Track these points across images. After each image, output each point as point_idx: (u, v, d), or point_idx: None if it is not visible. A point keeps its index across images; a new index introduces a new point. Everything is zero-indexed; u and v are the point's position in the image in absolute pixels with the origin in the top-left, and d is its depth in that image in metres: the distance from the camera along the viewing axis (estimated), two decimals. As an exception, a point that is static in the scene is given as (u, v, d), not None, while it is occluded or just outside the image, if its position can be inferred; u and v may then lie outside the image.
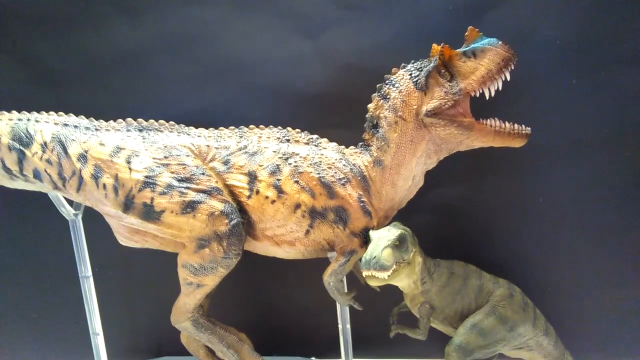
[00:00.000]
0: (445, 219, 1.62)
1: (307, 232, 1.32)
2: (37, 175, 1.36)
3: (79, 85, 1.65)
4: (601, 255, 1.58)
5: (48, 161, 1.34)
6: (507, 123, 1.31)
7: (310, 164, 1.32)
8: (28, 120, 1.37)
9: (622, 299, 1.59)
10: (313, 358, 1.71)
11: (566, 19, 1.46)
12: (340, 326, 1.49)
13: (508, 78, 1.29)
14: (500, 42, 1.28)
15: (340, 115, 1.54)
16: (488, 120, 1.31)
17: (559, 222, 1.58)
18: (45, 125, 1.36)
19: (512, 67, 1.28)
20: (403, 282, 1.30)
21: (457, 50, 1.30)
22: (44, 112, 1.40)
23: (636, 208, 1.54)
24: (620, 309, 1.60)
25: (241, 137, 1.38)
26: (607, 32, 1.46)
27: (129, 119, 1.41)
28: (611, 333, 1.62)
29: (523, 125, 1.32)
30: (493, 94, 1.29)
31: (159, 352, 1.79)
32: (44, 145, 1.34)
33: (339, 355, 1.54)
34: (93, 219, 1.49)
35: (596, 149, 1.52)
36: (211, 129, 1.41)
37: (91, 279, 1.57)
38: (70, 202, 1.51)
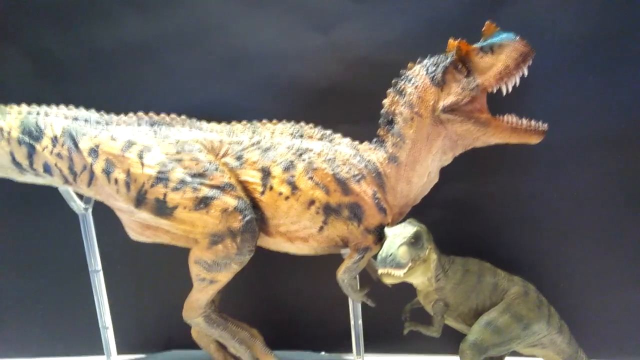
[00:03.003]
0: (459, 215, 1.61)
1: (321, 228, 1.31)
2: (47, 169, 1.35)
3: (88, 78, 1.64)
4: (616, 252, 1.57)
5: (58, 155, 1.33)
6: (523, 119, 1.30)
7: (325, 160, 1.31)
8: (38, 114, 1.36)
9: (634, 298, 1.58)
10: (323, 353, 1.71)
11: (584, 14, 1.45)
12: (352, 322, 1.49)
13: (526, 74, 1.27)
14: (518, 37, 1.26)
15: (353, 111, 1.53)
16: (505, 117, 1.29)
17: (573, 220, 1.57)
18: (55, 119, 1.35)
19: (530, 63, 1.27)
20: (418, 280, 1.29)
21: (474, 45, 1.28)
22: (53, 106, 1.39)
23: (650, 206, 1.53)
24: (632, 307, 1.59)
25: (254, 132, 1.37)
26: (625, 28, 1.44)
27: (140, 113, 1.39)
28: (625, 331, 1.61)
29: (540, 122, 1.30)
30: (510, 90, 1.28)
31: (168, 346, 1.79)
32: (55, 139, 1.33)
33: (350, 350, 1.54)
34: (103, 214, 1.48)
35: (612, 147, 1.51)
36: (223, 123, 1.40)
37: (101, 273, 1.56)
38: (80, 197, 1.50)
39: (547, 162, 1.55)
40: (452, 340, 1.42)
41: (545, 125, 1.30)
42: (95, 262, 1.55)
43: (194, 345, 1.55)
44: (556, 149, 1.52)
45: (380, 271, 1.19)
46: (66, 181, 1.36)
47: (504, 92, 1.28)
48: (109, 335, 1.60)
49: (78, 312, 1.76)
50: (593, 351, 1.43)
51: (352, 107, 1.53)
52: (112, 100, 1.59)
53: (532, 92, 1.44)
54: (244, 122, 1.39)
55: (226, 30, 1.58)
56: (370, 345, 1.60)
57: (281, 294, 1.75)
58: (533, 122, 1.30)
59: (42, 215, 1.72)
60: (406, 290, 1.43)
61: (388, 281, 1.21)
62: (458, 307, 1.34)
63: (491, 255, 1.41)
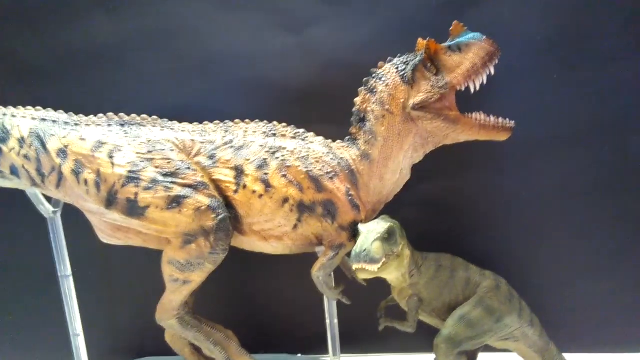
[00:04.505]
0: (431, 212, 1.63)
1: (295, 226, 1.31)
2: (14, 171, 1.32)
3: (55, 80, 1.62)
4: (583, 247, 1.62)
5: (26, 157, 1.30)
6: (491, 117, 1.33)
7: (298, 158, 1.32)
8: (4, 115, 1.33)
9: (604, 290, 1.63)
10: (299, 355, 1.70)
11: (547, 16, 1.50)
12: (327, 321, 1.48)
13: (493, 72, 1.30)
14: (484, 37, 1.29)
15: (324, 111, 1.53)
16: (473, 114, 1.32)
17: (542, 216, 1.61)
18: (22, 120, 1.33)
19: (497, 62, 1.30)
20: (392, 275, 1.30)
21: (443, 44, 1.31)
22: (20, 107, 1.36)
23: (616, 201, 1.58)
24: (602, 300, 1.63)
25: (226, 131, 1.36)
26: (587, 28, 1.50)
27: (110, 114, 1.38)
28: (594, 324, 1.65)
29: (507, 119, 1.33)
30: (478, 87, 1.31)
31: (141, 353, 1.75)
32: (22, 141, 1.30)
33: (326, 352, 1.53)
34: (72, 217, 1.46)
35: (577, 143, 1.56)
36: (195, 123, 1.39)
37: (71, 278, 1.53)
38: (49, 200, 1.47)
39: (515, 159, 1.58)
40: (427, 338, 1.42)
41: (512, 122, 1.33)
42: (64, 267, 1.52)
43: (167, 352, 1.53)
44: (524, 147, 1.56)
45: (354, 266, 1.19)
46: (34, 183, 1.34)
47: (472, 90, 1.31)
48: (79, 342, 1.56)
49: (47, 320, 1.72)
50: (563, 344, 1.45)
51: (325, 108, 1.54)
52: (82, 102, 1.56)
53: (499, 91, 1.48)
54: (217, 121, 1.39)
55: (198, 31, 1.57)
56: (347, 346, 1.60)
57: (256, 296, 1.74)
58: (500, 119, 1.33)
59: (9, 219, 1.68)
60: (380, 290, 1.44)
61: (362, 276, 1.22)
62: (432, 302, 1.35)
63: (463, 251, 1.42)
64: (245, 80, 1.59)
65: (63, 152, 1.30)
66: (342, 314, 1.49)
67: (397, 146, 1.32)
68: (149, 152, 1.30)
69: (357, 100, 1.36)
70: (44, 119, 1.34)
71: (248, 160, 1.31)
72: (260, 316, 1.74)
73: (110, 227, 1.36)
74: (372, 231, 1.22)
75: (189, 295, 1.36)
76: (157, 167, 1.28)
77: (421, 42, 1.31)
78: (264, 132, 1.36)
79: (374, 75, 1.34)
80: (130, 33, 1.58)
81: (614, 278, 1.62)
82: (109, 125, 1.35)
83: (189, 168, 1.29)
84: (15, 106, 1.36)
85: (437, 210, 1.63)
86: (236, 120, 1.39)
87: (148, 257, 1.43)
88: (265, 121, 1.39)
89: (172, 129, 1.36)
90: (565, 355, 1.42)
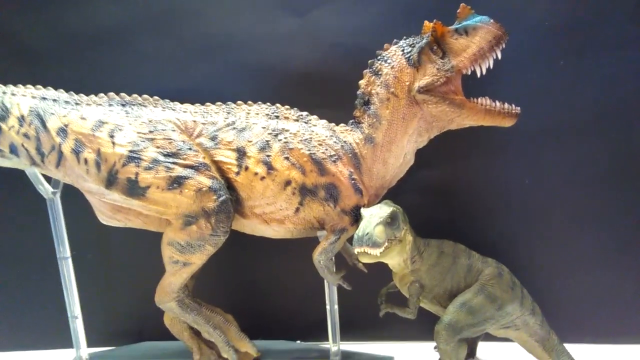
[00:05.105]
0: (434, 199, 1.62)
1: (297, 209, 1.30)
2: (13, 150, 1.31)
3: (57, 63, 1.60)
4: (585, 236, 1.61)
5: (25, 135, 1.29)
6: (497, 102, 1.31)
7: (301, 141, 1.30)
8: (4, 93, 1.32)
9: (606, 281, 1.62)
10: (299, 341, 1.69)
11: (555, 1, 1.47)
12: (328, 307, 1.47)
13: (499, 56, 1.29)
14: (491, 20, 1.27)
15: (328, 94, 1.52)
16: (479, 99, 1.30)
17: (545, 204, 1.60)
18: (22, 99, 1.31)
19: (504, 46, 1.28)
20: (394, 260, 1.29)
21: (449, 27, 1.29)
22: (20, 86, 1.35)
23: (619, 191, 1.57)
24: (604, 291, 1.63)
25: (229, 113, 1.35)
26: (594, 15, 1.48)
27: (111, 94, 1.37)
28: (595, 315, 1.64)
29: (513, 105, 1.32)
30: (484, 72, 1.29)
31: (140, 337, 1.74)
32: (21, 119, 1.29)
33: (326, 339, 1.52)
34: (72, 198, 1.44)
35: (583, 131, 1.54)
36: (197, 104, 1.38)
37: (70, 260, 1.52)
38: (49, 180, 1.45)
39: (519, 147, 1.57)
40: (427, 325, 1.41)
41: (518, 108, 1.32)
42: (63, 249, 1.51)
43: (166, 335, 1.52)
44: (529, 134, 1.54)
45: (356, 250, 1.18)
46: (34, 162, 1.32)
47: (478, 74, 1.29)
48: (78, 325, 1.55)
49: (45, 302, 1.71)
50: (564, 334, 1.44)
51: (328, 91, 1.53)
52: (84, 84, 1.54)
53: (505, 76, 1.46)
54: (219, 103, 1.38)
55: (201, 14, 1.56)
56: (347, 332, 1.59)
57: (256, 281, 1.73)
58: (506, 105, 1.31)
59: (8, 199, 1.67)
60: (381, 276, 1.42)
61: (364, 260, 1.20)
62: (433, 289, 1.34)
63: (465, 238, 1.41)
64: (248, 63, 1.57)
65: (63, 131, 1.28)
66: (342, 301, 1.48)
67: (401, 130, 1.30)
68: (150, 132, 1.28)
69: (362, 82, 1.34)
70: (44, 98, 1.32)
71: (250, 142, 1.30)
72: (260, 301, 1.74)
73: (110, 208, 1.35)
74: (374, 215, 1.21)
75: (188, 277, 1.35)
76: (158, 147, 1.27)
77: (428, 25, 1.30)
78: (267, 114, 1.34)
79: (379, 58, 1.32)
80: (132, 15, 1.57)
81: (616, 269, 1.61)
82: (110, 105, 1.34)
83: (190, 149, 1.28)
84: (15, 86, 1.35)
85: (440, 196, 1.62)
86: (239, 102, 1.38)
87: (148, 239, 1.42)
88: (268, 103, 1.37)
89: (173, 109, 1.35)
90: (565, 345, 1.41)
